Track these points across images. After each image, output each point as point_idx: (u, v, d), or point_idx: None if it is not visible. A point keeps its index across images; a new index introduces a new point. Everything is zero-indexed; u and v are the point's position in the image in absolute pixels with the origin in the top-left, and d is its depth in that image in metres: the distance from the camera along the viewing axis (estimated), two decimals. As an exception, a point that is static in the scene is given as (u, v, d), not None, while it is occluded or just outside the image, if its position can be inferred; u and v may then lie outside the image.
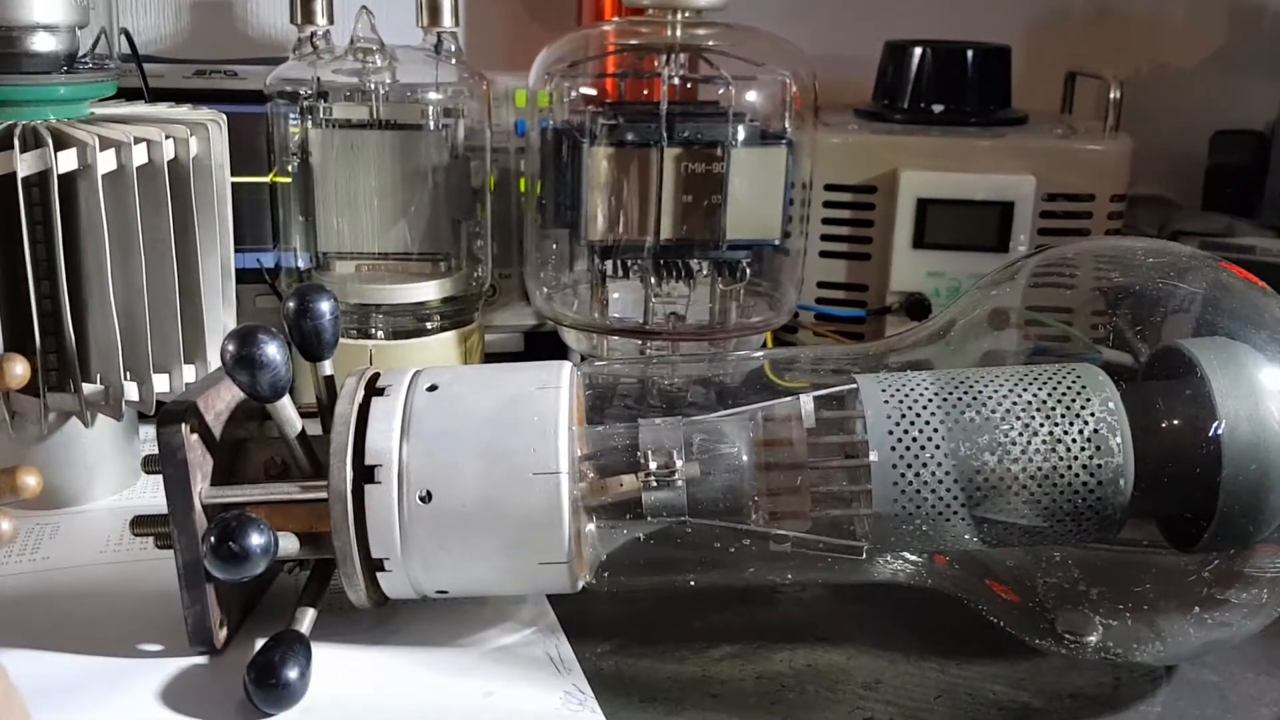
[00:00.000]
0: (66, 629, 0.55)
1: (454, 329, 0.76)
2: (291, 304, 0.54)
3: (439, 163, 0.74)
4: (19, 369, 0.48)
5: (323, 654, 0.52)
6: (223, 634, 0.54)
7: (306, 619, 0.53)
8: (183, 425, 0.50)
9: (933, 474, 0.49)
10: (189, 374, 0.66)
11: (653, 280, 0.71)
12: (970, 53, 0.90)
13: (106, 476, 0.69)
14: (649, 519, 0.53)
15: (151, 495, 0.71)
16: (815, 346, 0.80)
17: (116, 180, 0.61)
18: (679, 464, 0.52)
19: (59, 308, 0.61)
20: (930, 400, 0.50)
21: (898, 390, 0.51)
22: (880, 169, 0.83)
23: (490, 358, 0.83)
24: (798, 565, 0.54)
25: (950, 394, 0.51)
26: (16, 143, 0.58)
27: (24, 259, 0.60)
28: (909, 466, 0.50)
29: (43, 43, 0.64)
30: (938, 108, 0.89)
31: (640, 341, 0.75)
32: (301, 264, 0.79)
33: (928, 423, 0.50)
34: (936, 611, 0.55)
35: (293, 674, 0.49)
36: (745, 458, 0.53)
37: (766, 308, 0.75)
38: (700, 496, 0.53)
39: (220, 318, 0.68)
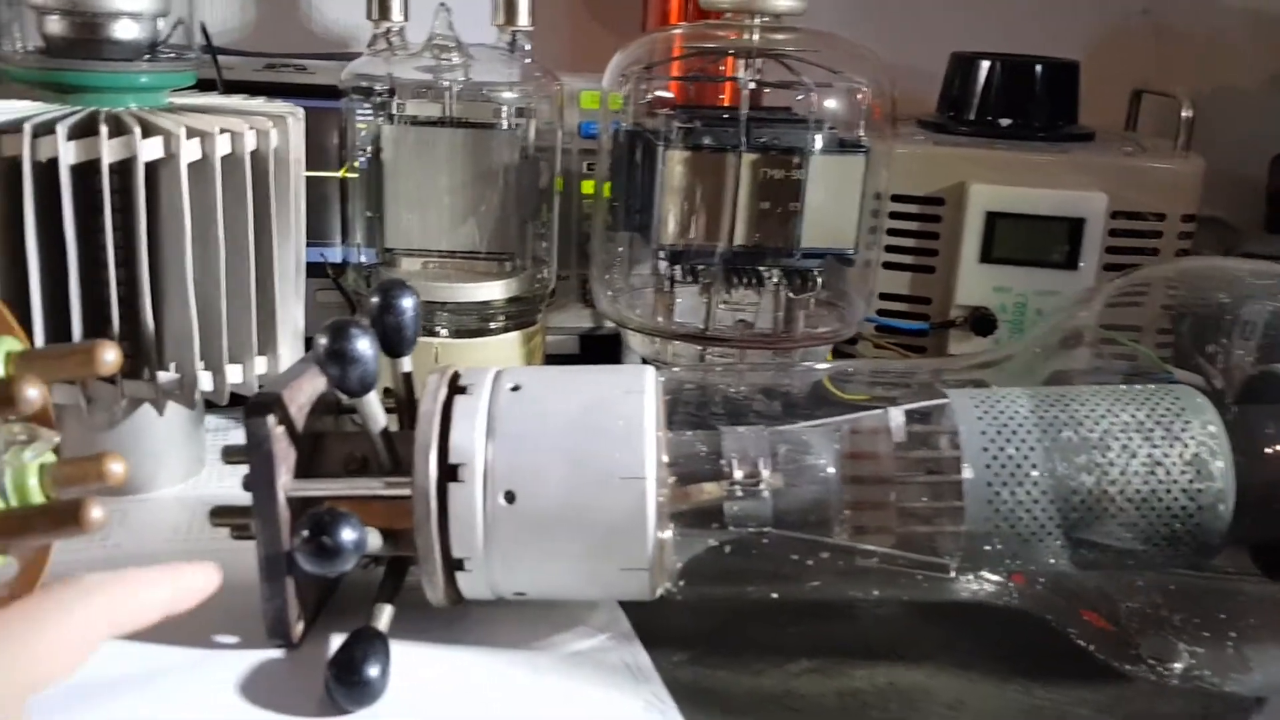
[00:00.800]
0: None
1: (517, 329, 0.75)
2: (375, 299, 0.54)
3: (509, 162, 0.74)
4: (110, 355, 0.48)
5: (399, 651, 0.51)
6: (299, 628, 0.53)
7: (384, 616, 0.52)
8: (269, 417, 0.50)
9: (1028, 493, 0.49)
10: (261, 365, 0.66)
11: (722, 286, 0.70)
12: (1039, 67, 0.90)
13: (173, 464, 0.69)
14: (730, 528, 0.53)
15: (217, 484, 0.71)
16: (908, 360, 0.79)
17: (200, 170, 0.61)
18: (765, 474, 0.52)
19: (137, 295, 0.61)
20: (1026, 418, 0.50)
21: (992, 407, 0.51)
22: (948, 181, 0.83)
23: (547, 359, 0.83)
24: (880, 581, 0.54)
25: (1046, 412, 0.50)
26: (103, 128, 0.58)
27: (105, 246, 0.60)
28: (1004, 484, 0.49)
29: (125, 30, 0.64)
30: (1005, 121, 0.89)
31: (700, 347, 0.74)
32: (365, 259, 0.79)
33: (1024, 440, 0.49)
34: (1018, 631, 0.55)
35: (374, 671, 0.49)
36: (832, 470, 0.53)
37: (834, 319, 0.74)
38: (784, 508, 0.52)
39: (292, 310, 0.68)
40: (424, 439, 0.51)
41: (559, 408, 0.52)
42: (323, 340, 0.48)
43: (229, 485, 0.70)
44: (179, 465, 0.70)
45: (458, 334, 0.74)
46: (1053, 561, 0.51)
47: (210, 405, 0.68)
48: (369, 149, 0.75)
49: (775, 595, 0.54)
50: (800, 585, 0.54)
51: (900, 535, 0.53)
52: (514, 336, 0.75)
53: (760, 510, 0.52)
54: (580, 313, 0.86)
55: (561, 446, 0.50)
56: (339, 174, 0.78)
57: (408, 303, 0.54)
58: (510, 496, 0.50)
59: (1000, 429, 0.50)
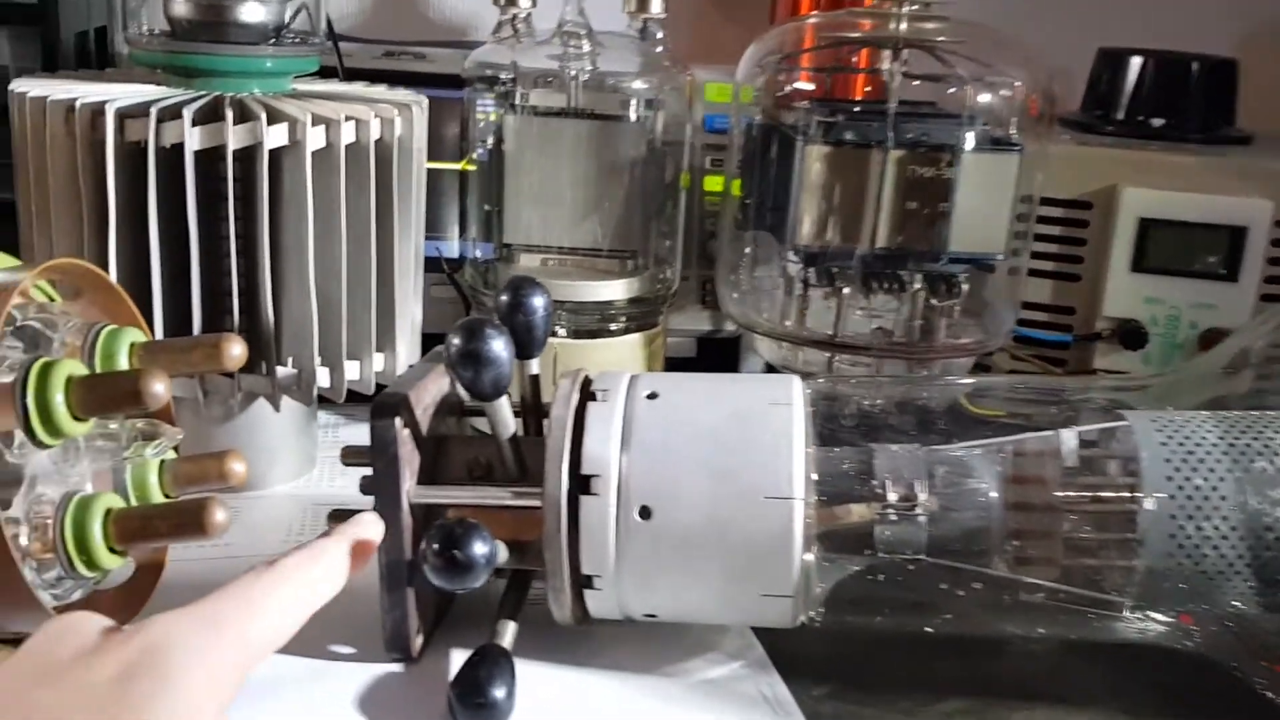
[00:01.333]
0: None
1: (639, 331, 0.72)
2: (505, 297, 0.51)
3: (636, 156, 0.71)
4: (237, 349, 0.46)
5: (522, 670, 0.49)
6: (419, 641, 0.51)
7: (508, 633, 0.50)
8: (396, 419, 0.47)
9: (1216, 528, 0.44)
10: (379, 362, 0.64)
11: (859, 291, 0.66)
12: (1195, 65, 0.84)
13: (286, 462, 0.67)
14: (880, 554, 0.49)
15: (328, 483, 0.69)
16: (1054, 376, 0.74)
17: (324, 158, 0.59)
18: (921, 496, 0.48)
19: (257, 287, 0.59)
20: (1215, 445, 0.45)
21: (1177, 431, 0.46)
22: (1096, 184, 0.78)
23: (665, 363, 0.80)
24: (1042, 618, 0.49)
25: (1238, 439, 0.45)
26: (228, 113, 0.56)
27: (226, 235, 0.58)
28: (1189, 518, 0.45)
29: (251, 13, 0.62)
30: (1157, 121, 0.83)
31: (829, 354, 0.70)
32: (482, 255, 0.77)
33: (1212, 470, 0.45)
34: (1192, 676, 0.50)
35: (499, 693, 0.46)
36: (994, 495, 0.49)
37: (977, 329, 0.70)
38: (941, 534, 0.48)
39: (411, 306, 0.66)
40: (556, 447, 0.48)
41: (700, 418, 0.48)
42: (455, 340, 0.45)
43: (341, 485, 0.69)
44: (292, 462, 0.68)
45: (576, 334, 0.71)
46: (1238, 604, 0.46)
47: (323, 402, 0.66)
48: (490, 140, 0.73)
49: (917, 628, 0.50)
50: (952, 619, 0.50)
51: (1066, 568, 0.48)
52: (635, 338, 0.72)
53: (914, 536, 0.48)
54: (699, 315, 0.83)
55: (703, 460, 0.47)
56: (458, 166, 0.76)
57: (539, 301, 0.51)
58: (646, 512, 0.47)
59: (1186, 456, 0.45)
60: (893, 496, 0.48)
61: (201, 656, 0.32)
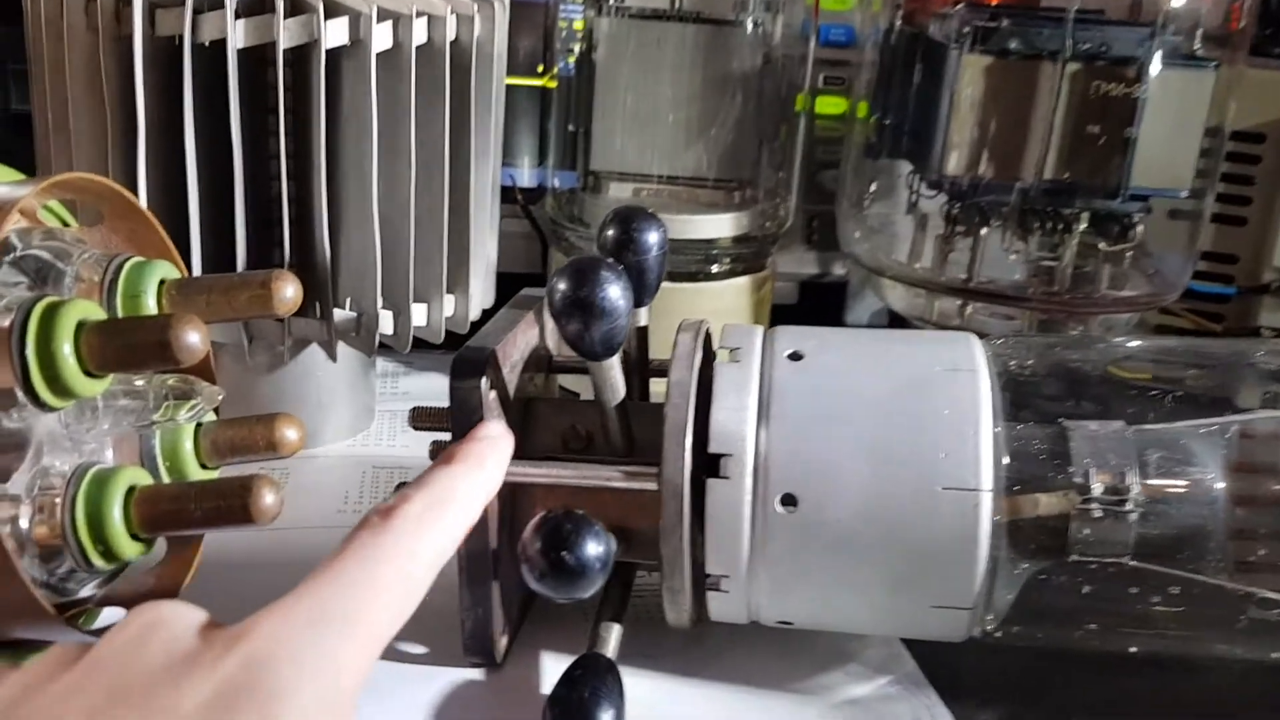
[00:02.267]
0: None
1: (745, 274, 0.63)
2: (611, 231, 0.42)
3: (749, 69, 0.61)
4: (290, 290, 0.37)
5: (625, 683, 0.40)
6: (503, 643, 0.42)
7: (612, 640, 0.41)
8: (483, 379, 0.39)
9: None
10: (449, 306, 0.55)
11: (1015, 231, 0.56)
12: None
13: (340, 418, 0.59)
14: (1074, 556, 0.40)
15: (388, 442, 0.60)
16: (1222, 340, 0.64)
17: (390, 61, 0.49)
18: (1134, 486, 0.38)
19: (310, 216, 0.50)
20: None
21: None
22: (1270, 114, 0.67)
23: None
24: (1271, 637, 0.40)
25: None
26: (279, 5, 0.47)
27: (276, 154, 0.49)
28: None
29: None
30: (1341, 43, 0.72)
31: (962, 303, 0.61)
32: (560, 184, 0.67)
33: None
34: None
35: (607, 717, 0.37)
36: (1218, 486, 0.39)
37: (1143, 280, 0.60)
38: (1150, 533, 0.39)
39: (486, 242, 0.57)
40: (677, 419, 0.39)
41: (859, 386, 0.39)
42: (562, 285, 0.36)
43: (403, 443, 0.60)
44: (347, 417, 0.59)
45: (673, 277, 0.61)
46: None
47: (386, 347, 0.57)
48: (577, 49, 0.63)
49: (1131, 649, 0.41)
50: (1158, 636, 0.41)
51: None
52: (741, 283, 0.62)
53: (1119, 534, 0.39)
54: (803, 256, 0.73)
55: (863, 439, 0.38)
56: (537, 81, 0.66)
57: (654, 237, 0.42)
58: (790, 501, 0.38)
59: None
60: (1097, 487, 0.39)
61: (315, 669, 0.25)
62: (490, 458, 0.34)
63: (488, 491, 0.34)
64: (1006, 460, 0.39)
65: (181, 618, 0.26)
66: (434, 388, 0.67)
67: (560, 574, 0.33)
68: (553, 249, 0.67)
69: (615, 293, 0.36)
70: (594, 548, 0.34)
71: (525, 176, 0.71)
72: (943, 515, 0.37)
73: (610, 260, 0.37)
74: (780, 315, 0.73)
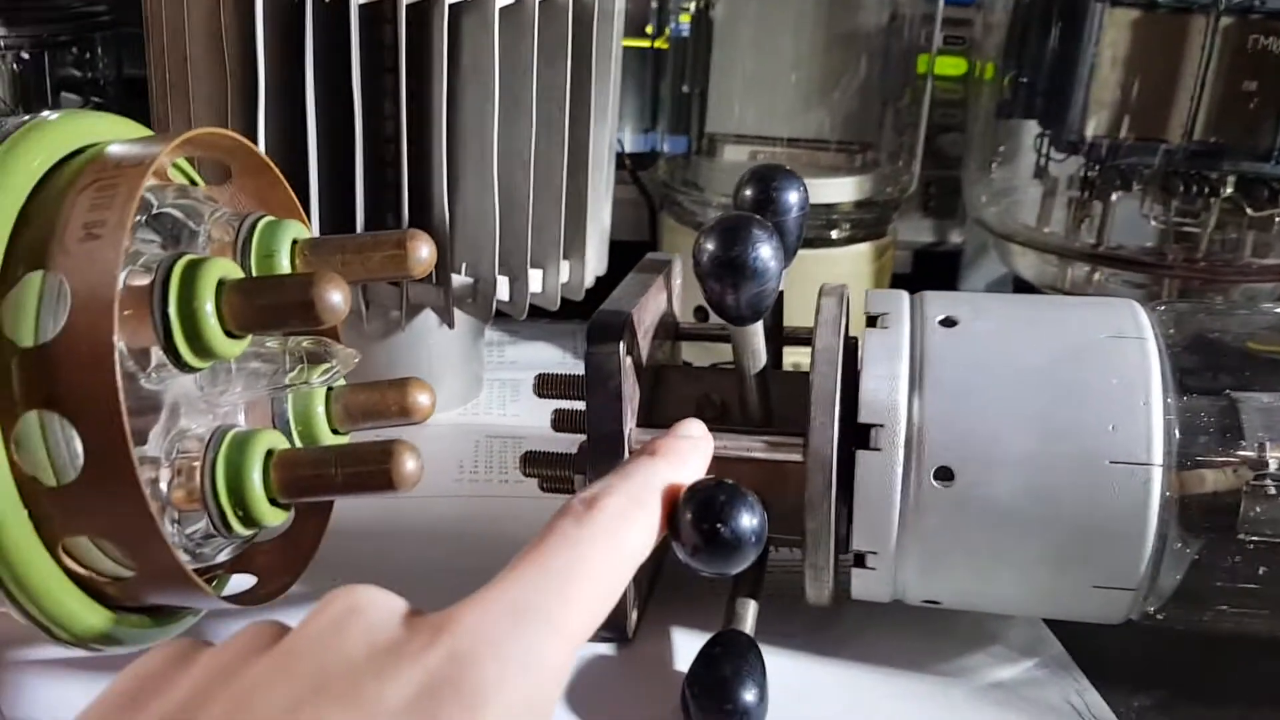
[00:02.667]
0: (424, 580, 0.42)
1: (865, 240, 0.60)
2: (749, 191, 0.40)
3: (875, 27, 0.58)
4: (425, 251, 0.35)
5: (762, 662, 0.38)
6: (634, 618, 0.41)
7: (749, 617, 0.39)
8: (619, 344, 0.37)
9: None
10: (564, 272, 0.54)
11: (1157, 196, 0.53)
12: None
13: (451, 386, 0.58)
14: (1242, 534, 0.37)
15: (499, 410, 0.59)
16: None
17: (513, 18, 0.48)
18: (1314, 464, 0.36)
19: (429, 177, 0.49)
20: None
21: None
22: None
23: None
24: None
25: None
26: (402, -39, 0.46)
27: (396, 113, 0.48)
28: None
29: None
30: None
31: (1091, 269, 0.58)
32: (670, 148, 0.65)
33: None
34: None
35: (750, 696, 0.36)
36: (1407, 464, 0.36)
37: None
38: (1328, 513, 0.36)
39: (602, 206, 0.55)
40: (824, 387, 0.37)
41: (1019, 353, 0.37)
42: (709, 245, 0.34)
43: (513, 412, 0.59)
44: (458, 386, 0.58)
45: (790, 243, 0.60)
46: None
47: (501, 314, 0.56)
48: (693, 8, 0.61)
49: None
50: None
51: None
52: (863, 249, 0.60)
53: (1294, 515, 0.36)
54: (920, 224, 0.71)
55: (1025, 411, 0.36)
56: (647, 43, 0.64)
57: (794, 197, 0.40)
58: (946, 474, 0.36)
59: None
60: (1272, 462, 0.36)
61: (520, 667, 0.24)
62: (693, 458, 0.33)
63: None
64: (1177, 434, 0.36)
65: (381, 604, 0.25)
66: (541, 357, 0.66)
67: (714, 547, 0.32)
68: (663, 215, 0.65)
69: (767, 253, 0.34)
70: (749, 520, 0.32)
71: (630, 141, 0.69)
72: (1111, 491, 0.35)
73: (760, 219, 0.35)
74: (897, 283, 0.71)
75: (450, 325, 0.52)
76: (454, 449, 0.54)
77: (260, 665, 0.24)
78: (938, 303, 0.39)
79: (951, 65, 0.66)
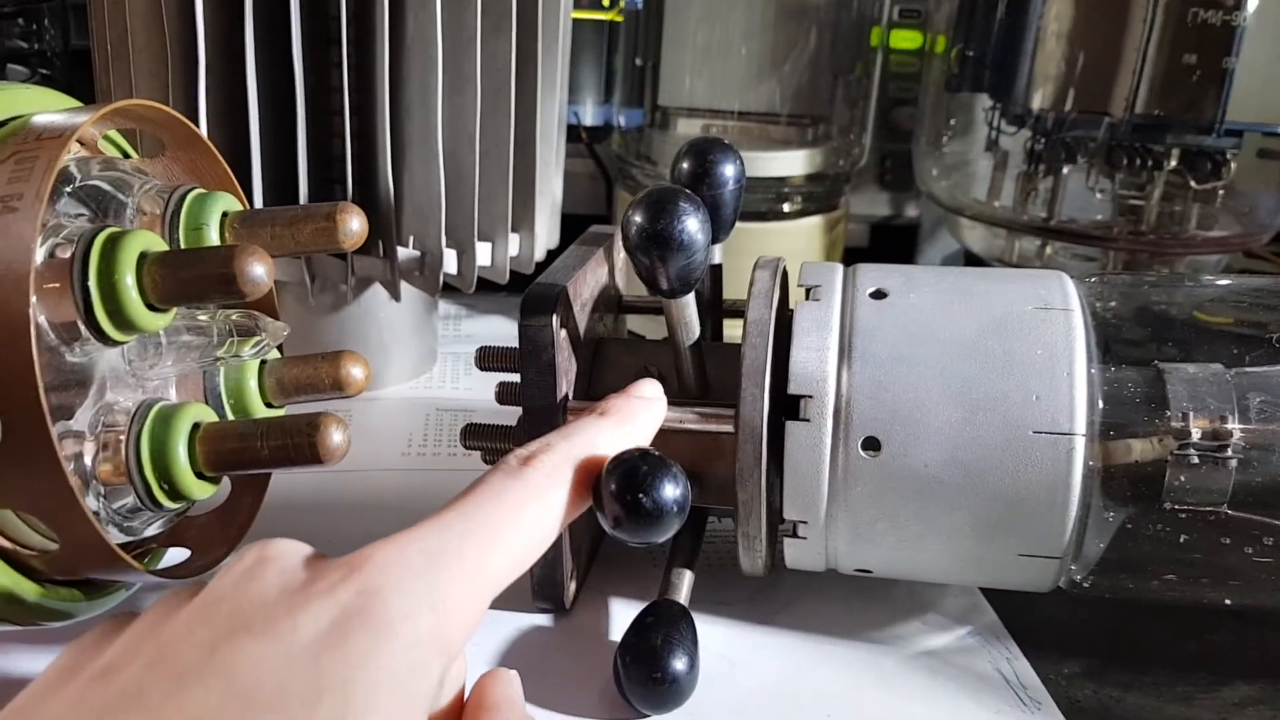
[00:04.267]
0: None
1: (817, 214, 0.61)
2: (685, 164, 0.40)
3: (825, 0, 0.58)
4: (356, 224, 0.35)
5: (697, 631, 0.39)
6: (572, 589, 0.41)
7: (684, 587, 0.40)
8: (553, 317, 0.37)
9: None
10: (514, 245, 0.54)
11: (1102, 168, 0.54)
12: None
13: (403, 359, 0.58)
14: (1167, 503, 0.38)
15: (451, 384, 0.59)
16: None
17: (455, -10, 0.48)
18: (1235, 431, 0.36)
19: (373, 150, 0.49)
20: None
21: None
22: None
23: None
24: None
25: None
26: (341, -68, 0.45)
27: (338, 86, 0.48)
28: None
29: None
30: None
31: (1042, 243, 0.58)
32: (625, 121, 0.65)
33: None
34: None
35: (680, 665, 0.36)
36: (1328, 433, 0.37)
37: (1233, 220, 0.57)
38: (1250, 480, 0.37)
39: (552, 179, 0.55)
40: (755, 359, 0.37)
41: (946, 325, 0.37)
42: (637, 218, 0.34)
43: (466, 385, 0.59)
44: (409, 359, 0.58)
45: (743, 216, 0.59)
46: None
47: (449, 288, 0.56)
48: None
49: (1227, 600, 0.39)
50: (1253, 588, 0.39)
51: None
52: (814, 223, 0.60)
53: (1217, 482, 0.37)
54: (876, 197, 0.71)
55: (950, 381, 0.36)
56: (604, 15, 0.64)
57: (730, 170, 0.40)
58: (873, 444, 0.36)
59: None
60: (1195, 432, 0.37)
61: (428, 601, 0.24)
62: (641, 415, 0.33)
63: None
64: (1100, 404, 0.37)
65: (293, 551, 0.26)
66: (497, 330, 0.66)
67: (636, 517, 0.32)
68: (618, 188, 0.65)
69: (694, 225, 0.34)
70: (671, 490, 0.32)
71: (589, 114, 0.69)
72: (1034, 460, 0.35)
73: (687, 191, 0.35)
74: (851, 258, 0.71)
75: (396, 298, 0.52)
76: (404, 422, 0.54)
77: (180, 617, 0.24)
78: (870, 275, 0.40)
79: (907, 39, 0.66)
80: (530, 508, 0.28)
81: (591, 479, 0.30)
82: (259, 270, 0.31)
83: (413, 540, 0.25)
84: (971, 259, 0.62)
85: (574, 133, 0.67)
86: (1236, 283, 0.44)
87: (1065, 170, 0.56)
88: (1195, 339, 0.41)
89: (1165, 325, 0.41)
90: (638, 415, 0.33)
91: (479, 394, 0.58)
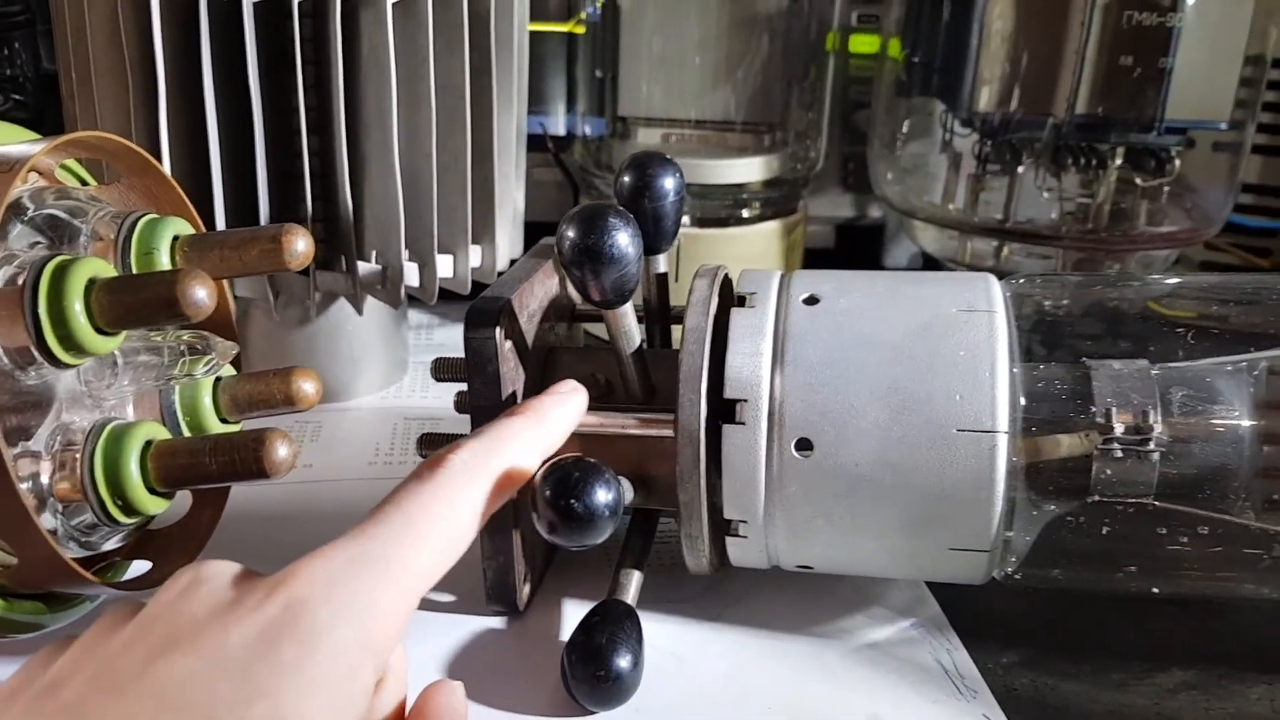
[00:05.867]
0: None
1: (775, 218, 0.62)
2: (627, 178, 0.41)
3: (775, 9, 0.59)
4: (301, 244, 0.37)
5: (648, 629, 0.40)
6: (525, 591, 0.43)
7: (632, 586, 0.41)
8: (496, 329, 0.39)
9: None
10: (475, 257, 0.55)
11: (1048, 168, 0.55)
12: None
13: (372, 370, 0.59)
14: (1094, 497, 0.39)
15: (421, 394, 0.61)
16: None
17: (407, 10, 0.49)
18: (1156, 426, 0.38)
19: (333, 168, 0.50)
20: None
21: None
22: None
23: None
24: (1300, 578, 0.39)
25: None
26: (293, -42, 0.47)
27: (296, 107, 0.49)
28: None
29: None
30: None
31: (999, 244, 0.60)
32: (591, 131, 0.67)
33: None
34: None
35: (624, 663, 0.38)
36: (1245, 424, 0.38)
37: (1184, 216, 0.58)
38: (1174, 473, 0.38)
39: (512, 191, 0.57)
40: (692, 365, 0.39)
41: (874, 329, 0.38)
42: (570, 233, 0.36)
43: (436, 394, 0.61)
44: (378, 370, 0.60)
45: (703, 223, 0.61)
46: None
47: (413, 300, 0.57)
48: (603, -6, 0.62)
49: (1154, 589, 0.40)
50: (1182, 577, 0.40)
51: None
52: (772, 227, 0.61)
53: (1142, 475, 0.38)
54: (839, 199, 0.72)
55: (878, 383, 0.37)
56: (565, 27, 0.65)
57: (670, 183, 0.41)
58: (805, 445, 0.38)
59: None
60: (1119, 426, 0.38)
61: (354, 608, 0.26)
62: (553, 412, 0.35)
63: (546, 445, 0.34)
64: (1024, 401, 0.38)
65: (223, 571, 0.27)
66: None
67: (569, 522, 0.33)
68: (583, 197, 0.67)
69: (624, 240, 0.36)
70: (603, 495, 0.34)
71: (557, 124, 0.71)
72: (958, 458, 0.37)
73: (618, 207, 0.36)
74: (818, 259, 0.72)
75: (359, 311, 0.53)
76: (372, 432, 0.56)
77: (119, 636, 0.26)
78: (804, 281, 0.41)
79: (867, 43, 0.68)
80: (447, 509, 0.29)
81: (508, 475, 0.31)
82: (201, 293, 0.32)
83: (336, 551, 0.27)
84: (929, 260, 0.63)
85: (541, 142, 0.68)
86: (1178, 280, 0.45)
87: (1020, 170, 0.57)
88: (1128, 336, 0.42)
89: (1100, 322, 0.42)
90: (549, 411, 0.35)
91: (447, 403, 0.59)
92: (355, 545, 0.27)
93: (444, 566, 0.29)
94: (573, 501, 0.33)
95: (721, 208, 0.61)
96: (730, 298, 0.42)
